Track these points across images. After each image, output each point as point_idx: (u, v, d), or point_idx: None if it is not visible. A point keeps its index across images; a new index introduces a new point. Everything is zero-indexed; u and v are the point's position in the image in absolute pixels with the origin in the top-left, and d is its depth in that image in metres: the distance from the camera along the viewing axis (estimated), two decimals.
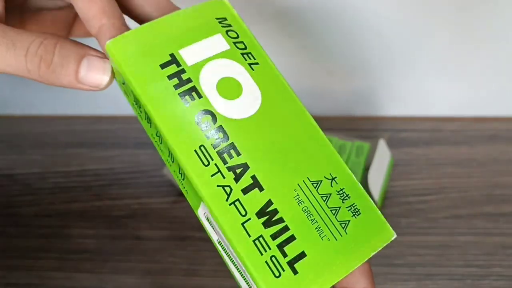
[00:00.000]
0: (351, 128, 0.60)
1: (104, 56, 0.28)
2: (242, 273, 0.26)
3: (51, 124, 0.62)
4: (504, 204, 0.51)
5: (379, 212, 0.27)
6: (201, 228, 0.49)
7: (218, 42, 0.27)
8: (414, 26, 0.54)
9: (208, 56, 0.27)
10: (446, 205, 0.51)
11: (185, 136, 0.26)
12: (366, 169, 0.49)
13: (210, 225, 0.26)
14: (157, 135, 0.27)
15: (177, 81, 0.26)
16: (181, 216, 0.51)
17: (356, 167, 0.50)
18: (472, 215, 0.50)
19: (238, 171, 0.25)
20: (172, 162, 0.27)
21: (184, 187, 0.27)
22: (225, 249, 0.26)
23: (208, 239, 0.49)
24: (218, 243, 0.27)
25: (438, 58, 0.57)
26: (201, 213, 0.26)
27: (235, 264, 0.26)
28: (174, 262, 0.47)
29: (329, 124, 0.60)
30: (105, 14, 0.28)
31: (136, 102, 0.27)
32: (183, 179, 0.26)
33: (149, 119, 0.27)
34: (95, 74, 0.28)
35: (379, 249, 0.26)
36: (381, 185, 0.51)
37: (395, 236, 0.27)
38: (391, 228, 0.27)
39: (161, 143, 0.27)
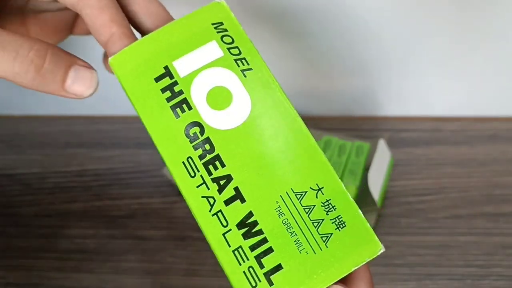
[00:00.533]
0: (351, 128, 0.60)
1: (90, 67, 0.29)
2: None
3: (51, 124, 0.62)
4: (504, 204, 0.51)
5: (367, 224, 0.26)
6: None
7: (212, 50, 0.28)
8: (414, 26, 0.54)
9: (200, 66, 0.27)
10: (446, 205, 0.51)
11: (175, 148, 0.26)
12: (366, 169, 0.49)
13: None
14: None
15: (170, 94, 0.27)
16: (181, 216, 0.51)
17: (356, 167, 0.50)
18: (472, 215, 0.50)
19: (221, 182, 0.26)
20: None
21: None
22: None
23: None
24: None
25: (438, 58, 0.57)
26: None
27: None
28: (174, 262, 0.47)
29: (329, 124, 0.60)
30: (115, 22, 0.28)
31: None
32: None
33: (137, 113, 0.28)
34: (81, 84, 0.28)
35: (363, 263, 0.25)
36: (381, 185, 0.51)
37: (382, 250, 0.26)
38: (379, 241, 0.26)
39: None
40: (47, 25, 0.35)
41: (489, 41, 0.55)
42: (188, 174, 0.26)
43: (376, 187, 0.48)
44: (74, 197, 0.53)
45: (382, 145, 0.51)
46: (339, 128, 0.60)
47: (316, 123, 0.60)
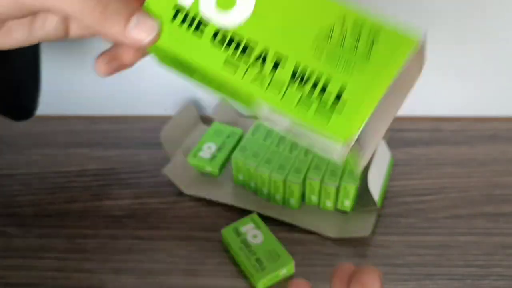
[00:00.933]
0: None
1: (152, 17, 0.31)
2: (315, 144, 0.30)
3: (51, 124, 0.62)
4: (504, 204, 0.51)
5: (395, 28, 0.30)
6: (200, 228, 0.50)
7: None
8: (414, 26, 0.54)
9: None
10: (446, 205, 0.51)
11: (211, 59, 0.30)
12: (366, 169, 0.49)
13: (272, 120, 0.31)
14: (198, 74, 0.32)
15: (187, 24, 0.31)
16: (181, 216, 0.51)
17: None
18: (472, 215, 0.50)
19: (261, 57, 0.30)
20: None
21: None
22: (294, 134, 0.31)
23: (207, 239, 0.49)
24: (286, 133, 0.31)
25: (438, 58, 0.57)
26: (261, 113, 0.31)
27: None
28: (174, 262, 0.47)
29: None
30: None
31: (172, 58, 0.32)
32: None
33: (181, 63, 0.31)
34: (142, 30, 0.30)
35: (406, 58, 0.29)
36: (381, 185, 0.51)
37: (421, 40, 0.29)
38: (413, 36, 0.29)
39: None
40: None
41: (489, 41, 0.55)
42: (232, 70, 0.30)
43: (376, 187, 0.48)
44: (74, 197, 0.53)
45: (382, 145, 0.51)
46: None
47: None
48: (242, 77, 0.30)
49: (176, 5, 0.31)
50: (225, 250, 0.48)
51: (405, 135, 0.59)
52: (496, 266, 0.45)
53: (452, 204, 0.51)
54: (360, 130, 0.28)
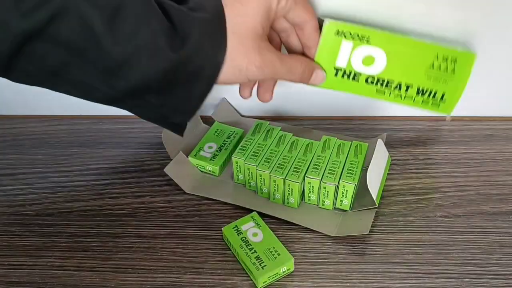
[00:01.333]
0: (349, 128, 0.60)
1: (323, 69, 0.51)
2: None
3: (53, 124, 0.63)
4: (501, 203, 0.51)
5: (462, 49, 0.52)
6: (202, 226, 0.50)
7: (347, 44, 0.50)
8: (413, 26, 0.54)
9: (349, 52, 0.51)
10: (444, 204, 0.51)
11: (367, 91, 0.53)
12: (365, 169, 0.49)
13: None
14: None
15: (347, 76, 0.52)
16: (182, 215, 0.51)
17: (354, 166, 0.50)
18: (469, 214, 0.50)
19: (397, 86, 0.53)
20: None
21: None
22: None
23: (208, 238, 0.49)
24: None
25: None
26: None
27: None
28: (176, 260, 0.47)
29: (329, 124, 0.61)
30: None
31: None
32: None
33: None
34: (317, 80, 0.51)
35: (472, 70, 0.52)
36: (380, 184, 0.51)
37: (475, 54, 0.52)
38: (471, 52, 0.52)
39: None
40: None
41: (486, 42, 0.55)
42: (382, 94, 0.53)
43: (374, 186, 0.48)
44: (76, 196, 0.53)
45: (380, 144, 0.51)
46: (338, 128, 0.60)
47: (316, 123, 0.61)
48: (388, 96, 0.53)
49: (335, 67, 0.51)
50: (226, 248, 0.48)
51: (402, 134, 0.59)
52: (493, 264, 0.46)
53: (450, 203, 0.51)
54: (453, 109, 0.54)
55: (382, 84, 0.52)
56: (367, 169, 0.47)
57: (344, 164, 0.51)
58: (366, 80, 0.52)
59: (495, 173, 0.54)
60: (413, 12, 0.53)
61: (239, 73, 0.44)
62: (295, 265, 0.46)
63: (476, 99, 0.58)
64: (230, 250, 0.48)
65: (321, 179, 0.49)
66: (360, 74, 0.52)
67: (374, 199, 0.48)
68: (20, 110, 0.64)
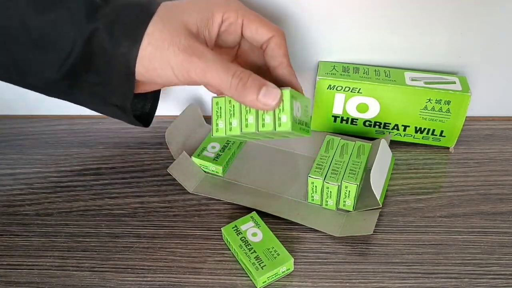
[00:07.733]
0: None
1: (276, 87, 0.40)
2: None
3: (53, 124, 0.63)
4: (501, 203, 0.51)
5: (457, 91, 0.53)
6: (201, 226, 0.50)
7: (340, 97, 0.55)
8: (413, 26, 0.54)
9: (342, 102, 0.56)
10: (444, 204, 0.51)
11: (367, 130, 0.58)
12: (368, 169, 0.49)
13: None
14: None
15: (345, 122, 0.58)
16: (181, 215, 0.51)
17: (357, 167, 0.50)
18: (469, 214, 0.50)
19: (395, 127, 0.56)
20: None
21: None
22: None
23: (207, 237, 0.49)
24: None
25: (436, 58, 0.57)
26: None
27: None
28: (175, 260, 0.47)
29: None
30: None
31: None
32: None
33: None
34: (268, 98, 0.40)
35: (467, 109, 0.54)
36: (383, 184, 0.51)
37: (470, 95, 0.53)
38: (466, 92, 0.53)
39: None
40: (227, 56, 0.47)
41: (485, 41, 0.55)
42: (376, 132, 0.57)
43: (378, 186, 0.48)
44: (75, 196, 0.53)
45: (384, 144, 0.51)
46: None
47: None
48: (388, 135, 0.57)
49: (333, 114, 0.56)
50: (225, 248, 0.48)
51: None
52: (493, 264, 0.46)
53: (450, 203, 0.51)
54: (455, 141, 0.57)
55: (380, 126, 0.56)
56: (371, 169, 0.47)
57: (347, 165, 0.50)
58: (364, 123, 0.56)
59: (495, 173, 0.54)
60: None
61: (161, 57, 0.40)
62: (294, 265, 0.46)
63: (475, 99, 0.58)
64: (230, 250, 0.47)
65: (324, 179, 0.49)
66: (357, 119, 0.56)
67: (378, 199, 0.47)
68: (20, 110, 0.64)
